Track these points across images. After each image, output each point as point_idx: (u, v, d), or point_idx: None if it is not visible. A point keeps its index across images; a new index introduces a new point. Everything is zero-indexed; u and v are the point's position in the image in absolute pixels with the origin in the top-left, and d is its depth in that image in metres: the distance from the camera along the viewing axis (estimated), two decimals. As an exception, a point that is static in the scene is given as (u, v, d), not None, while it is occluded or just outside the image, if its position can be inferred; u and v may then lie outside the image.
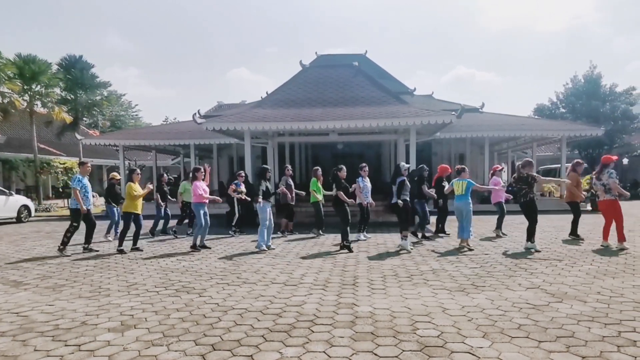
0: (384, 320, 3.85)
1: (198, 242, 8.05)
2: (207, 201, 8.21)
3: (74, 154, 23.69)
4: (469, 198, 7.70)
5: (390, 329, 3.63)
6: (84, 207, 7.72)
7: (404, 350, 3.17)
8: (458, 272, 5.72)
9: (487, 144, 17.71)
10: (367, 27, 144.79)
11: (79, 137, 19.10)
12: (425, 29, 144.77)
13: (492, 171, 9.64)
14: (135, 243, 8.14)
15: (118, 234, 8.73)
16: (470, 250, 7.38)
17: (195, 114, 12.95)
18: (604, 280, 5.13)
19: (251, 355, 3.15)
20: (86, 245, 8.12)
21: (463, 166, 8.06)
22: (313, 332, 3.60)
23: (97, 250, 8.12)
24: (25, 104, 19.65)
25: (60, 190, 23.49)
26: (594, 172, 7.72)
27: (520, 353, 3.08)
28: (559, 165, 17.98)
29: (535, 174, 7.52)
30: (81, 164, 8.40)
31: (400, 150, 14.70)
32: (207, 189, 8.37)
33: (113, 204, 9.69)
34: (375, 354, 3.11)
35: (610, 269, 5.68)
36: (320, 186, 8.92)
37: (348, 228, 7.74)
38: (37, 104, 20.38)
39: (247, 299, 4.63)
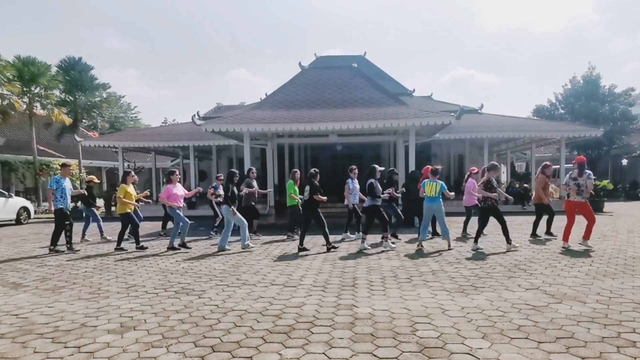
0: (384, 321, 3.85)
1: (169, 244, 8.18)
2: (180, 204, 8.30)
3: (73, 155, 23.66)
4: (441, 199, 7.73)
5: (390, 330, 3.63)
6: (52, 207, 8.01)
7: (403, 352, 3.17)
8: (457, 273, 5.72)
9: (487, 145, 17.74)
10: (365, 28, 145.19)
11: (78, 138, 19.12)
12: (424, 29, 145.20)
13: (468, 173, 9.33)
14: (137, 242, 8.28)
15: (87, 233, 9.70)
16: (449, 249, 7.54)
17: (194, 115, 12.96)
18: (604, 281, 5.13)
19: (251, 357, 3.15)
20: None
21: (437, 168, 8.01)
22: (312, 333, 3.60)
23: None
24: (25, 105, 19.65)
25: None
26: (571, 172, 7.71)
27: (520, 354, 3.08)
28: (558, 166, 18.02)
29: (492, 179, 7.45)
30: (63, 165, 8.67)
31: (399, 152, 14.73)
32: (181, 193, 8.34)
33: (93, 206, 10.08)
34: (375, 355, 3.11)
35: (609, 270, 5.68)
36: (296, 189, 8.96)
37: (327, 230, 7.84)
38: (36, 106, 20.39)
39: (246, 301, 4.63)
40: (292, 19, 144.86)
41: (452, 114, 11.90)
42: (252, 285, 5.29)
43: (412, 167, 11.61)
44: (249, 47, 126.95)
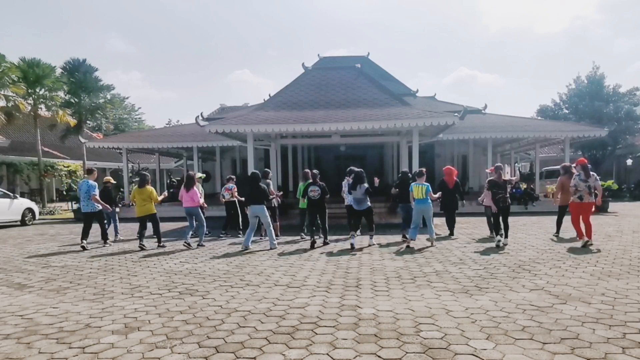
0: (387, 322, 3.84)
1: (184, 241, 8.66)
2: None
3: (77, 157, 23.83)
4: (429, 201, 8.07)
5: (394, 331, 3.62)
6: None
7: (407, 353, 3.16)
8: (461, 273, 5.71)
9: (490, 145, 17.67)
10: (369, 29, 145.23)
11: (82, 140, 19.22)
12: (427, 30, 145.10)
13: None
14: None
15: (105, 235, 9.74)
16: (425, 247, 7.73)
17: (198, 116, 12.99)
18: (609, 281, 5.10)
19: (254, 358, 3.15)
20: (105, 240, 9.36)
21: (422, 170, 8.43)
22: (316, 334, 3.60)
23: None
24: (30, 107, 19.78)
25: (64, 193, 23.66)
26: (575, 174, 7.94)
27: (525, 355, 3.07)
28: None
29: (505, 179, 7.92)
30: (89, 171, 9.46)
31: (403, 152, 14.70)
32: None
33: (109, 207, 10.18)
34: (379, 356, 3.11)
35: (614, 270, 5.65)
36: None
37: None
38: (41, 108, 20.51)
39: (250, 301, 4.63)
40: (295, 20, 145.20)
41: (456, 114, 11.86)
42: (255, 286, 5.29)
43: (415, 168, 11.59)
44: (252, 49, 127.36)
